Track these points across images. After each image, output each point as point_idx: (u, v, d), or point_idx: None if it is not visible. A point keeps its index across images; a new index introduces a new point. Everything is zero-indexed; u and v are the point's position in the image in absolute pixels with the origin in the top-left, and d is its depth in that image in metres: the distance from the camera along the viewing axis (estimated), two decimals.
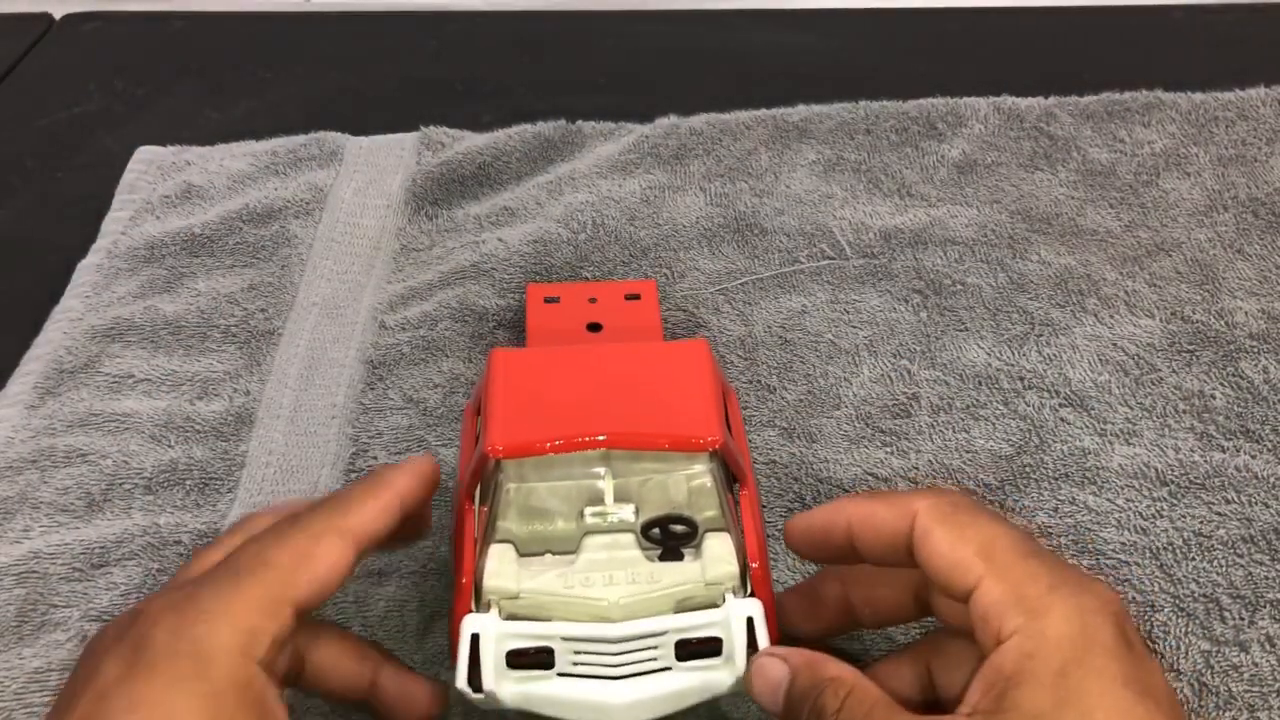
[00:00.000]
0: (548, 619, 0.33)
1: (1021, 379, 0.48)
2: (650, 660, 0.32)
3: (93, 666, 0.29)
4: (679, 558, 0.34)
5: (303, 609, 0.31)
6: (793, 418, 0.47)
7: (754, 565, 0.34)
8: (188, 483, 0.45)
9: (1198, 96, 0.62)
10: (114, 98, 0.69)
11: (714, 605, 0.33)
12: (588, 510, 0.34)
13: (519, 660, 0.32)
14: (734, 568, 0.33)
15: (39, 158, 0.65)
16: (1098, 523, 0.42)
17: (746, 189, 0.58)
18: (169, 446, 0.47)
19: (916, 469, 0.44)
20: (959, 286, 0.52)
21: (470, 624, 0.32)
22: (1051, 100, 0.63)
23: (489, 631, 0.32)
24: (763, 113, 0.62)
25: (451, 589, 0.34)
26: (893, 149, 0.60)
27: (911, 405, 0.47)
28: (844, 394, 0.48)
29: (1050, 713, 0.27)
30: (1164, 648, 0.38)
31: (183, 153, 0.62)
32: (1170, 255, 0.53)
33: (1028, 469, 0.44)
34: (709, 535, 0.34)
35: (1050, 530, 0.42)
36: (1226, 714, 0.36)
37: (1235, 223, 0.55)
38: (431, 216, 0.57)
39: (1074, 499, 0.43)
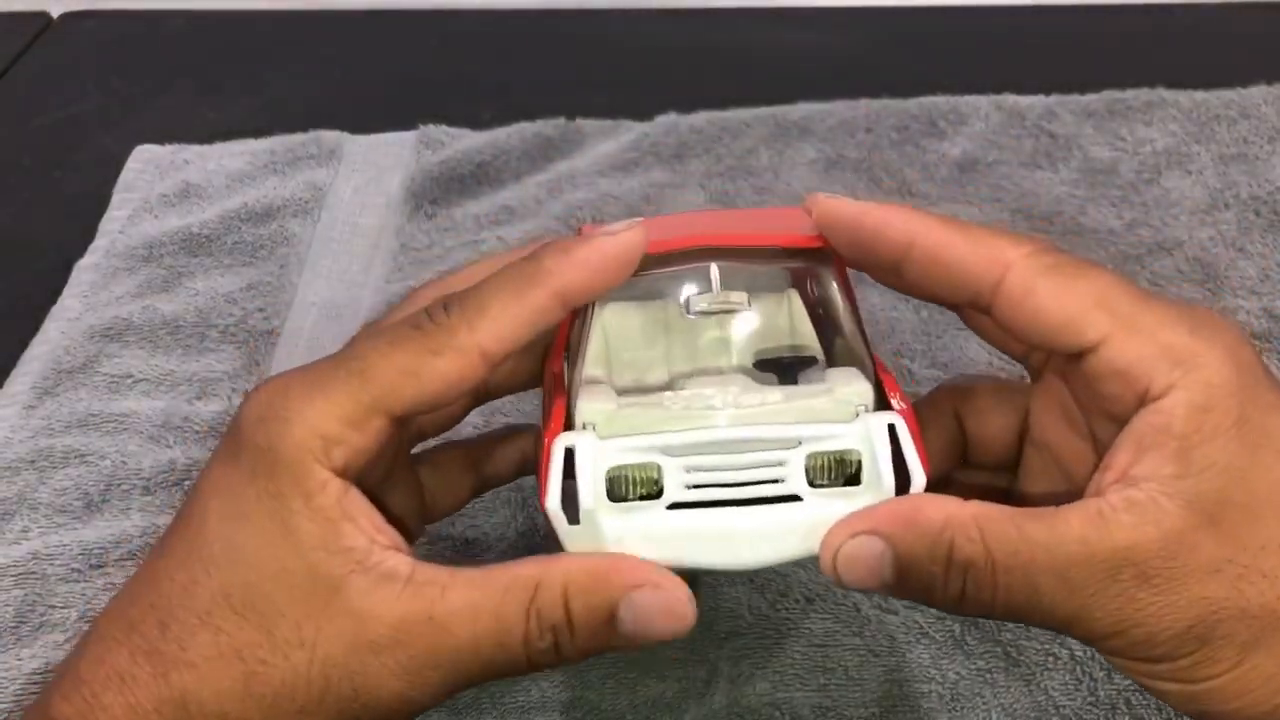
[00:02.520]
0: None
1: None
2: (776, 484, 0.27)
3: (209, 464, 0.29)
4: (795, 383, 0.29)
5: (404, 421, 0.28)
6: None
7: (893, 396, 0.28)
8: (186, 483, 0.45)
9: (1199, 95, 0.62)
10: (112, 96, 0.69)
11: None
12: (693, 299, 0.29)
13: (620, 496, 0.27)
14: (867, 386, 0.28)
15: (37, 157, 0.64)
16: None
17: (747, 187, 0.58)
18: (167, 447, 0.46)
19: None
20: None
21: (563, 440, 0.27)
22: (1053, 98, 0.62)
23: (586, 447, 0.27)
24: (763, 111, 0.62)
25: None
26: (893, 147, 0.60)
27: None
28: None
29: (1249, 465, 0.25)
30: None
31: (181, 151, 0.62)
32: (1172, 254, 0.53)
33: None
34: (832, 368, 0.29)
35: None
36: None
37: (1237, 221, 0.55)
38: (431, 215, 0.57)
39: None
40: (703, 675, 0.39)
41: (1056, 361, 0.30)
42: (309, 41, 0.74)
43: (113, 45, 0.74)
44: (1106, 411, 0.27)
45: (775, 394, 0.28)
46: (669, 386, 0.29)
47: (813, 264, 0.30)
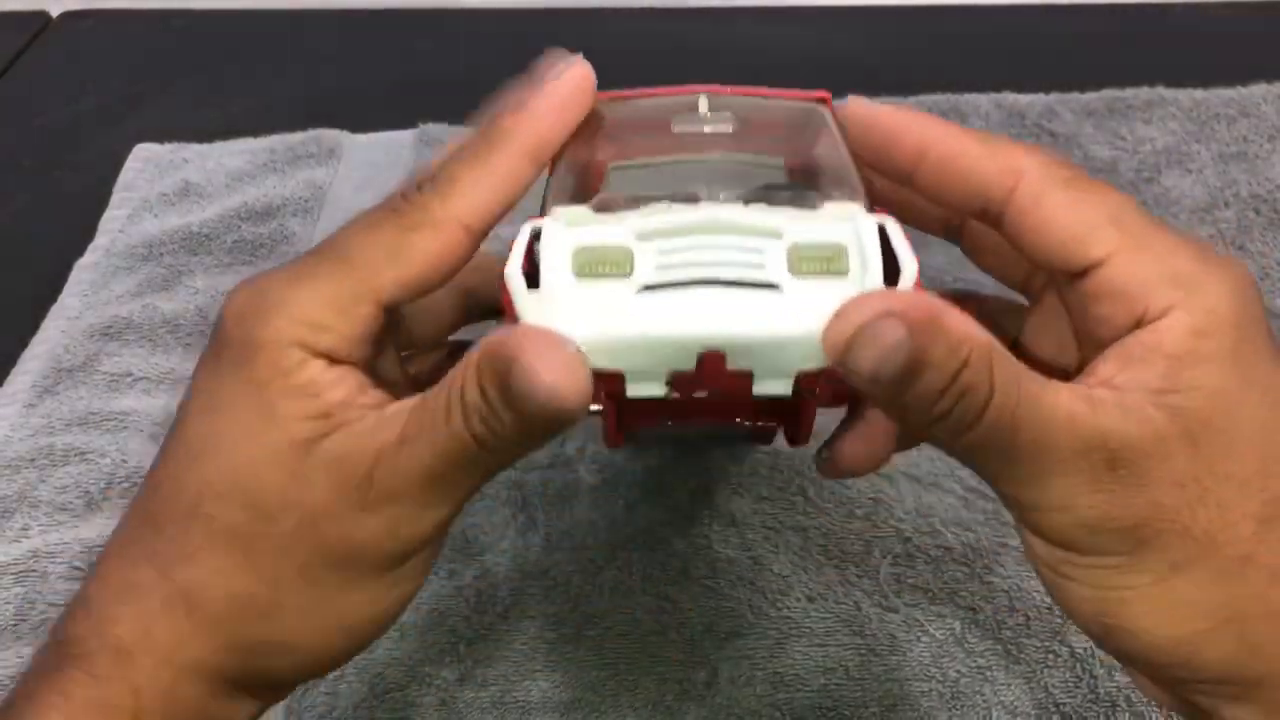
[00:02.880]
0: None
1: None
2: (756, 269, 0.24)
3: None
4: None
5: (393, 304, 0.27)
6: None
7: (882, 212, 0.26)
8: None
9: (1199, 93, 0.62)
10: (111, 95, 0.69)
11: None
12: (675, 121, 0.28)
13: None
14: (859, 202, 0.26)
15: (36, 156, 0.64)
16: None
17: None
18: None
19: (917, 465, 0.44)
20: (960, 284, 0.52)
21: (530, 223, 0.25)
22: (1053, 97, 0.62)
23: (554, 228, 0.25)
24: None
25: None
26: None
27: None
28: None
29: (1235, 397, 0.25)
30: None
31: (181, 150, 0.62)
32: None
33: None
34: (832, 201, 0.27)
35: None
36: None
37: (1237, 220, 0.55)
38: None
39: None
40: (703, 677, 0.39)
41: (1056, 286, 0.29)
42: (309, 40, 0.74)
43: (112, 44, 0.74)
44: (1098, 336, 0.26)
45: (760, 206, 0.26)
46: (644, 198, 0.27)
47: (809, 105, 0.29)
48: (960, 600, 0.40)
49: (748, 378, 0.25)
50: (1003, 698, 0.38)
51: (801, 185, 0.27)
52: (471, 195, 0.26)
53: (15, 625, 0.40)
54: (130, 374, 0.49)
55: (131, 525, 0.27)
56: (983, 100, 0.62)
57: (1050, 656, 0.38)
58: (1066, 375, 0.27)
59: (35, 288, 0.55)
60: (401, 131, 0.62)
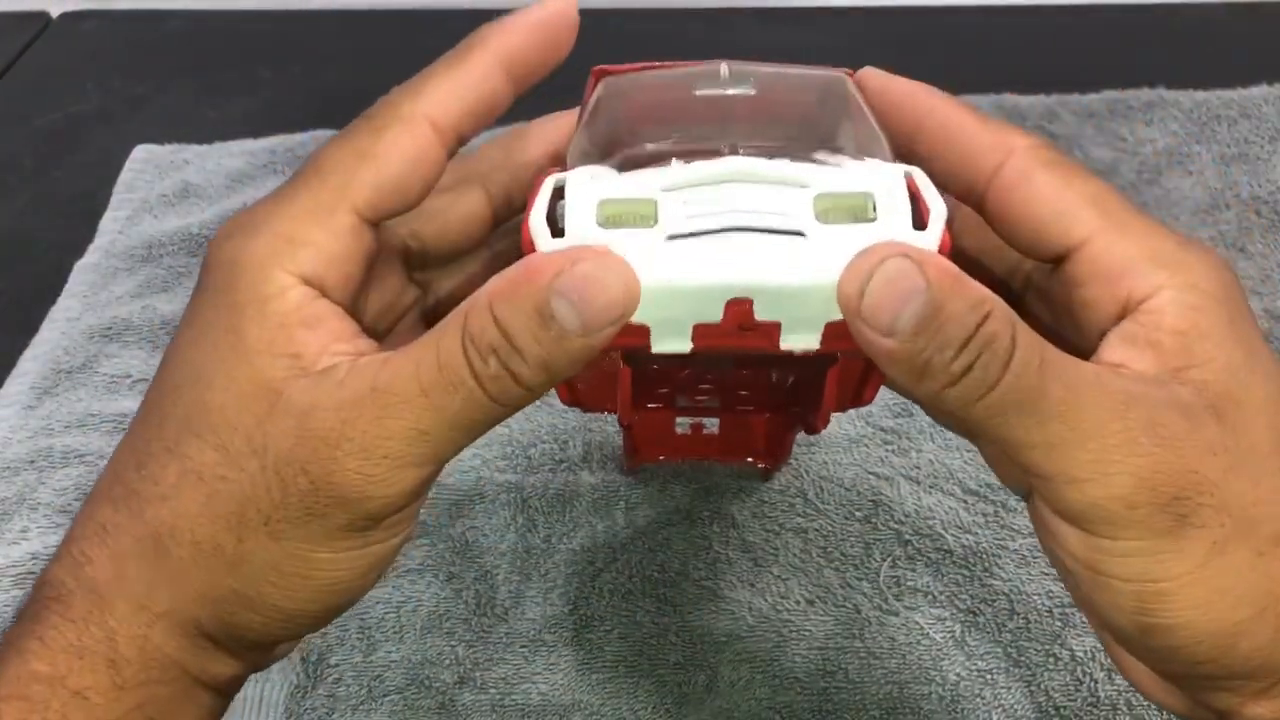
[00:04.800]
0: None
1: None
2: (782, 216, 0.24)
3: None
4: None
5: (371, 215, 0.26)
6: None
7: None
8: None
9: (1200, 95, 0.62)
10: (111, 96, 0.69)
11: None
12: (697, 86, 0.28)
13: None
14: (888, 162, 0.26)
15: (36, 157, 0.64)
16: None
17: None
18: None
19: (918, 468, 0.44)
20: None
21: (553, 177, 0.25)
22: (1053, 98, 0.62)
23: (578, 180, 0.25)
24: None
25: None
26: None
27: (912, 404, 0.47)
28: None
29: (1244, 366, 0.24)
30: None
31: (180, 151, 0.62)
32: None
33: None
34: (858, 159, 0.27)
35: None
36: None
37: (1238, 221, 0.55)
38: None
39: None
40: (703, 679, 0.39)
41: (1036, 279, 0.29)
42: (309, 41, 0.74)
43: (112, 45, 0.74)
44: (1084, 321, 0.26)
45: (784, 160, 0.25)
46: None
47: (834, 76, 0.29)
48: (960, 603, 0.40)
49: (775, 328, 0.25)
50: (1003, 701, 0.38)
51: (826, 143, 0.27)
52: (441, 93, 0.26)
53: None
54: (130, 375, 0.49)
55: (116, 460, 0.27)
56: (983, 101, 0.62)
57: (1050, 660, 0.38)
58: None
59: (34, 289, 0.54)
60: None
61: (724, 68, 0.28)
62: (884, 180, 0.25)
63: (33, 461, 0.46)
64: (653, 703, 0.38)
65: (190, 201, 0.58)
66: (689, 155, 0.25)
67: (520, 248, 0.24)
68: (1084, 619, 0.39)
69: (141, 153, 0.62)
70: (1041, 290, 0.28)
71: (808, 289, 0.24)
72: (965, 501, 0.43)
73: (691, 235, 0.24)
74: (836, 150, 0.26)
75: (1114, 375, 0.24)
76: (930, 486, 0.44)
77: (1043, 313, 0.28)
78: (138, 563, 0.25)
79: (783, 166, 0.25)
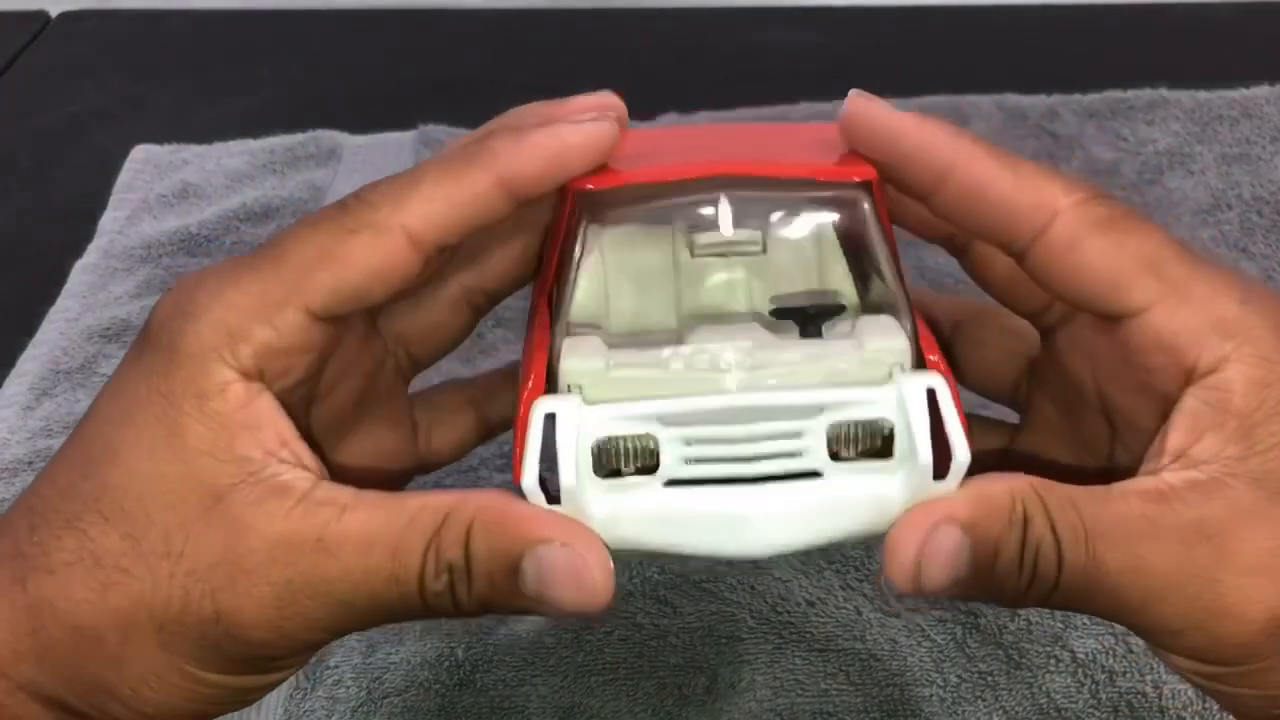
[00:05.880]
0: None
1: None
2: (792, 457, 0.23)
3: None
4: (820, 335, 0.26)
5: (324, 314, 0.25)
6: None
7: (931, 358, 0.25)
8: None
9: (1202, 95, 0.62)
10: (110, 96, 0.69)
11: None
12: (698, 237, 0.26)
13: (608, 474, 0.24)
14: (903, 342, 0.24)
15: (35, 156, 0.64)
16: None
17: None
18: None
19: None
20: (961, 286, 0.52)
21: (543, 405, 0.23)
22: (1055, 98, 0.62)
23: (569, 414, 0.23)
24: (764, 110, 0.62)
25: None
26: None
27: None
28: None
29: None
30: None
31: (180, 151, 0.62)
32: None
33: None
34: (864, 316, 0.25)
35: None
36: None
37: (1239, 222, 0.55)
38: None
39: None
40: (703, 682, 0.38)
41: (1081, 321, 0.28)
42: (308, 41, 0.74)
43: (112, 45, 0.74)
44: (1140, 382, 0.25)
45: (794, 351, 0.24)
46: (672, 335, 0.26)
47: (847, 194, 0.26)
48: (961, 604, 0.40)
49: None
50: (1004, 703, 0.37)
51: (836, 306, 0.26)
52: (428, 206, 0.24)
53: None
54: None
55: (14, 514, 0.25)
56: (984, 101, 0.62)
57: (1052, 662, 0.38)
58: (1105, 412, 0.26)
59: (33, 289, 0.54)
60: (401, 133, 0.62)
61: (724, 205, 0.26)
62: (905, 393, 0.23)
63: (31, 463, 0.46)
64: (652, 705, 0.38)
65: (190, 201, 0.58)
66: (694, 323, 0.25)
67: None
68: (1085, 620, 0.39)
69: (141, 153, 0.62)
70: (1078, 333, 0.28)
71: (816, 545, 0.23)
72: None
73: (694, 483, 0.23)
74: (847, 309, 0.25)
75: (1164, 509, 0.23)
76: None
77: (1075, 353, 0.28)
78: (9, 630, 0.24)
79: (793, 395, 0.23)
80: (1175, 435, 0.24)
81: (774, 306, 0.26)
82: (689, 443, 0.23)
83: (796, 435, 0.23)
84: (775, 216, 0.26)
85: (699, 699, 0.38)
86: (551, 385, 0.24)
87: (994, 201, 0.25)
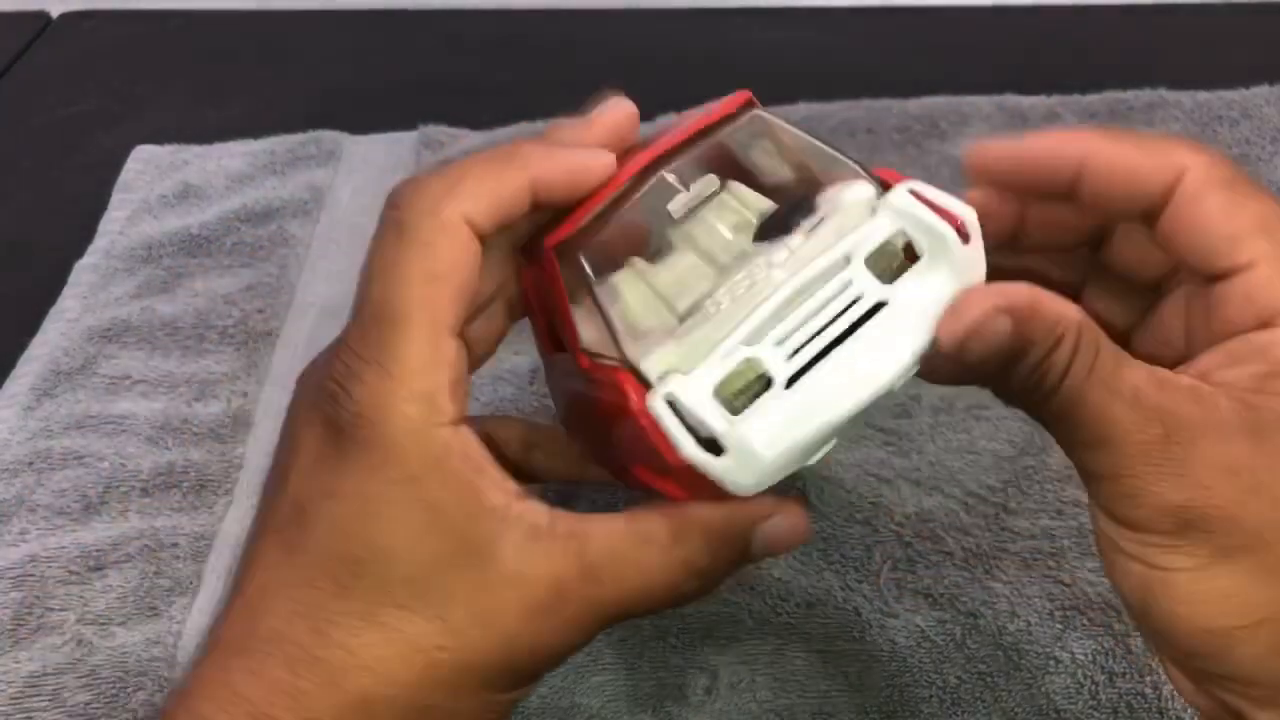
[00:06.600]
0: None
1: None
2: (858, 302, 0.26)
3: (295, 438, 0.28)
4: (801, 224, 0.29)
5: (460, 329, 0.28)
6: None
7: (891, 181, 0.28)
8: (184, 485, 0.45)
9: (1201, 95, 0.62)
10: (111, 96, 0.69)
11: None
12: (670, 209, 0.29)
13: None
14: (864, 182, 0.28)
15: (36, 157, 0.64)
16: None
17: None
18: (166, 449, 0.46)
19: (918, 469, 0.44)
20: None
21: (658, 396, 0.26)
22: (1055, 99, 0.62)
23: (681, 386, 0.26)
24: None
25: None
26: (895, 148, 0.60)
27: (912, 405, 0.46)
28: None
29: None
30: None
31: (180, 152, 0.62)
32: None
33: (1030, 470, 0.44)
34: (825, 190, 0.29)
35: (1053, 533, 0.42)
36: None
37: None
38: None
39: (1077, 501, 0.43)
40: (704, 682, 0.38)
41: (1186, 287, 0.29)
42: (309, 41, 0.74)
43: (113, 45, 0.74)
44: (1217, 336, 0.27)
45: (795, 239, 0.28)
46: (700, 300, 0.28)
47: (743, 114, 0.30)
48: (961, 605, 0.40)
49: None
50: (1003, 704, 0.37)
51: (801, 198, 0.29)
52: (477, 199, 0.28)
53: (14, 630, 0.40)
54: (129, 377, 0.49)
55: (273, 621, 0.27)
56: (984, 102, 0.62)
57: (1051, 663, 0.38)
58: (1172, 363, 0.28)
59: (33, 290, 0.54)
60: (402, 133, 0.62)
61: (668, 175, 0.29)
62: (896, 204, 0.27)
63: (31, 463, 0.46)
64: (652, 705, 0.38)
65: (190, 202, 0.58)
66: (713, 280, 0.28)
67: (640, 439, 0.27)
68: (1085, 622, 0.39)
69: (141, 153, 0.62)
70: (1188, 293, 0.29)
71: (926, 349, 0.26)
72: (966, 504, 0.43)
73: (804, 371, 0.26)
74: (807, 191, 0.29)
75: (1155, 389, 0.25)
76: (931, 489, 0.44)
77: (1175, 321, 0.30)
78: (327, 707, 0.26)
79: (821, 260, 0.26)
80: (1210, 356, 0.26)
81: (758, 229, 0.29)
82: (779, 342, 0.26)
83: (848, 284, 0.26)
84: (709, 162, 0.30)
85: (699, 699, 0.38)
86: (646, 388, 0.27)
87: (1129, 172, 0.27)
